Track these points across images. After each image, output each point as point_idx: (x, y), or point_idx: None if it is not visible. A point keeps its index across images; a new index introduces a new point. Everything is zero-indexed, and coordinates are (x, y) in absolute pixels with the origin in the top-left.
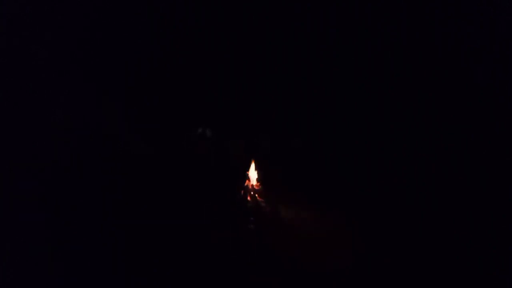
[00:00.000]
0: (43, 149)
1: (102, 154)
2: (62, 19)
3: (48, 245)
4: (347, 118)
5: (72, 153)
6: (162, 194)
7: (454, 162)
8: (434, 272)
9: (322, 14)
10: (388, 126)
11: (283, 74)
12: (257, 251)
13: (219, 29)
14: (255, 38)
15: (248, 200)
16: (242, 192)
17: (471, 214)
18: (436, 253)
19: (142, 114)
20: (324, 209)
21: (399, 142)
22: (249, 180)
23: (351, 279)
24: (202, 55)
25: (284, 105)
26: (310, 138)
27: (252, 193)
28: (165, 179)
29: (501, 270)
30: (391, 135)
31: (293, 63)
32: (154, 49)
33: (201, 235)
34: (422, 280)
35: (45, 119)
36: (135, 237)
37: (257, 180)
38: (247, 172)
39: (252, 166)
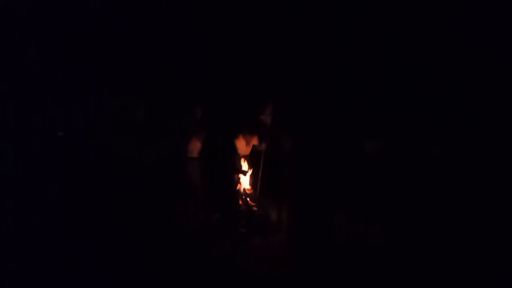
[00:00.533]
0: (32, 150)
1: (92, 155)
2: (53, 20)
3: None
4: (340, 120)
5: (63, 154)
6: (152, 196)
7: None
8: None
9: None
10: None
11: (277, 77)
12: (249, 253)
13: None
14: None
15: (240, 204)
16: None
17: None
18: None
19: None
20: (315, 212)
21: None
22: (241, 184)
23: (346, 280)
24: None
25: (277, 109)
26: (303, 142)
27: (244, 197)
28: (155, 181)
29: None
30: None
31: (291, 65)
32: (148, 49)
33: (193, 239)
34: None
35: (34, 121)
36: (126, 241)
37: (249, 184)
38: (239, 176)
39: (244, 170)
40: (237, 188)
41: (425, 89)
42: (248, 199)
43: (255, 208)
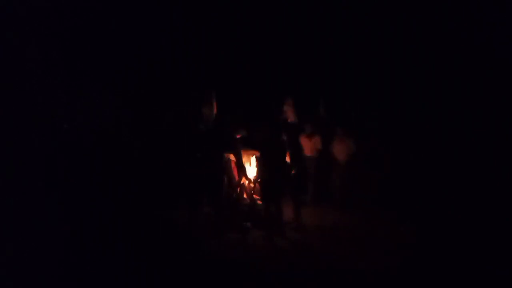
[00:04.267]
0: (35, 146)
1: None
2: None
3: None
4: (343, 114)
5: (68, 150)
6: (157, 189)
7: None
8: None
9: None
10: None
11: (277, 70)
12: (254, 248)
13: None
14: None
15: (244, 198)
16: (239, 189)
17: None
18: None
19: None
20: (320, 206)
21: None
22: (246, 178)
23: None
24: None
25: (282, 102)
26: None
27: (248, 190)
28: (160, 174)
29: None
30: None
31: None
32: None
33: (197, 233)
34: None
35: (36, 116)
36: (130, 235)
37: (254, 177)
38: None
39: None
40: (242, 181)
41: (425, 90)
42: (252, 192)
43: (259, 202)
